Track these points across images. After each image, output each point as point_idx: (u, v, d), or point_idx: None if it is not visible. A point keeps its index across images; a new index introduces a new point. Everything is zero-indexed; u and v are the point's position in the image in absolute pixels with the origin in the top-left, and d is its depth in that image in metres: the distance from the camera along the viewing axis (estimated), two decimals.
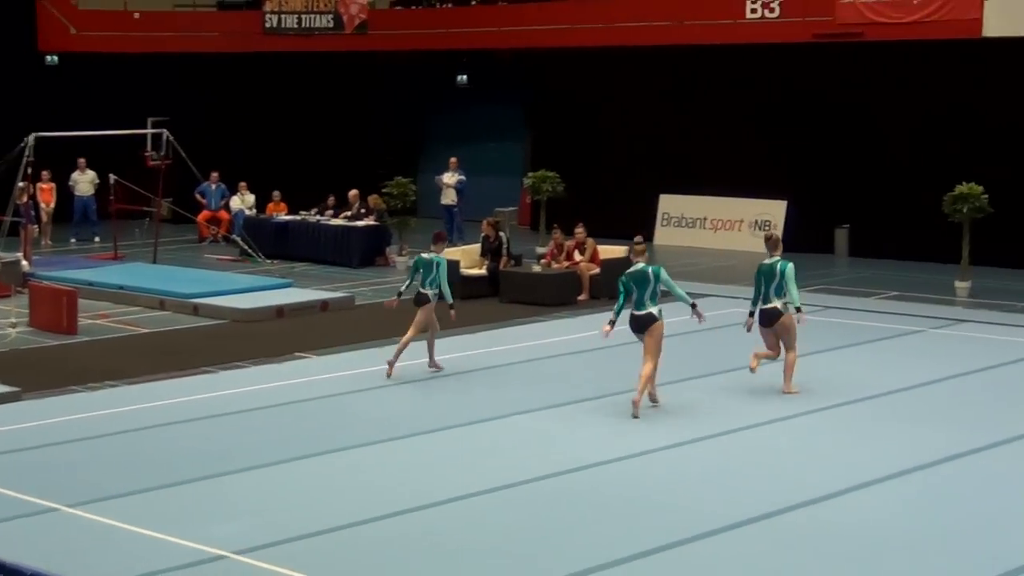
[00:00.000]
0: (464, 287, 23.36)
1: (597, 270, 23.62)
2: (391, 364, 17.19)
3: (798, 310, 16.18)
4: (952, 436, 14.28)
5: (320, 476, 13.02)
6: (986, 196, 23.40)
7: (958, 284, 23.84)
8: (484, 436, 14.53)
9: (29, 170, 25.69)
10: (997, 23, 26.06)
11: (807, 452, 13.88)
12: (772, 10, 28.86)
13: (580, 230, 24.13)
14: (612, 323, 15.63)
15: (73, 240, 32.05)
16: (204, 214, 31.92)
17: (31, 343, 19.71)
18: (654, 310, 15.47)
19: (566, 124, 33.45)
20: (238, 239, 29.23)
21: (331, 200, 29.63)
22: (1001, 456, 13.72)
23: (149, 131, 31.04)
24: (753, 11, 29.07)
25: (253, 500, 12.25)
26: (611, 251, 24.28)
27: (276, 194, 31.40)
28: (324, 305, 22.50)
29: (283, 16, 35.12)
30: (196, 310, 22.06)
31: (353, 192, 29.29)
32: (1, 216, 25.01)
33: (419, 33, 34.02)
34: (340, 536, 11.19)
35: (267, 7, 35.18)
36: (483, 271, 23.87)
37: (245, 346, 19.37)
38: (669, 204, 31.98)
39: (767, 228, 30.19)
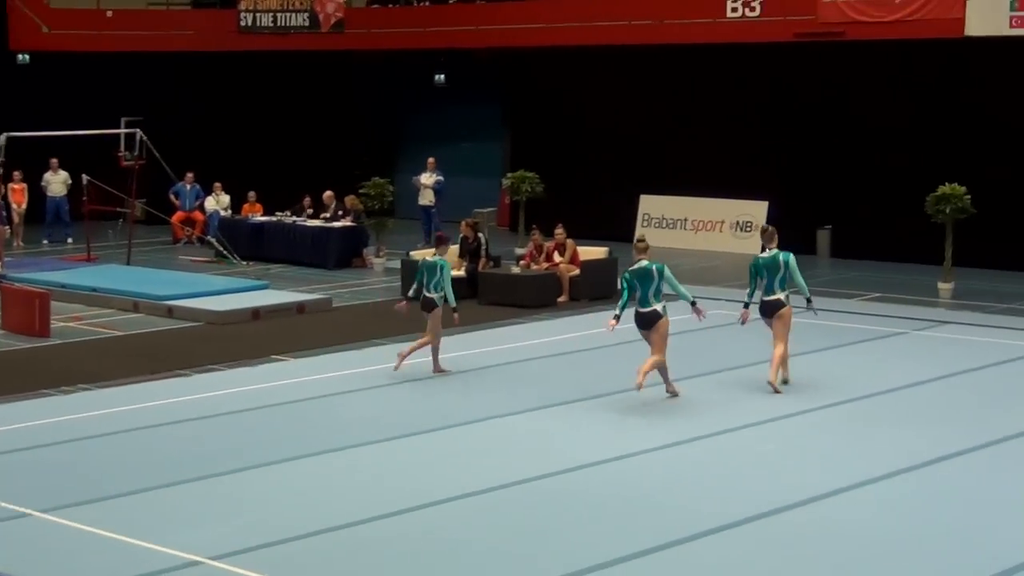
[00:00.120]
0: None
1: (577, 271, 23.60)
2: (401, 357, 17.36)
3: (809, 300, 16.71)
4: (936, 439, 14.30)
5: (297, 480, 12.97)
6: (969, 197, 23.45)
7: (941, 285, 23.89)
8: (466, 438, 14.49)
9: (0, 171, 25.58)
10: (979, 22, 26.10)
11: (792, 454, 13.88)
12: (753, 9, 28.87)
13: (560, 231, 24.11)
14: (617, 318, 15.85)
15: (45, 241, 31.93)
16: (178, 215, 31.84)
17: (2, 346, 19.61)
18: (659, 307, 15.76)
19: (545, 124, 33.45)
20: (213, 240, 29.16)
21: (306, 201, 29.58)
22: (985, 459, 13.75)
23: (122, 131, 30.98)
24: (734, 10, 29.07)
25: (229, 504, 12.19)
26: (591, 252, 24.28)
27: (252, 195, 31.34)
28: (301, 307, 22.44)
29: (258, 15, 35.04)
30: (170, 312, 21.98)
31: (328, 194, 29.24)
32: None
33: (396, 32, 33.97)
34: (318, 540, 11.14)
35: (242, 5, 35.09)
36: (462, 273, 23.79)
37: (220, 349, 19.31)
38: (650, 205, 31.99)
39: (749, 229, 30.26)
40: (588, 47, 31.16)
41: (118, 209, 30.73)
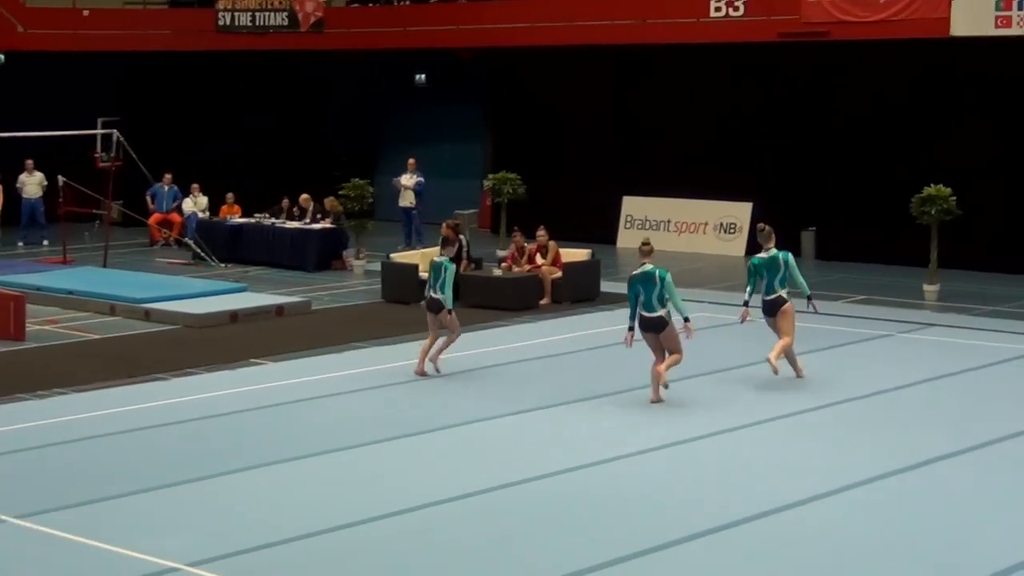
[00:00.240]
0: (423, 291, 23.27)
1: (559, 274, 23.61)
2: (432, 362, 17.64)
3: (809, 298, 17.24)
4: (921, 442, 14.33)
5: (277, 484, 12.95)
6: (954, 198, 23.48)
7: (926, 287, 23.93)
8: (450, 442, 14.48)
9: None
10: (965, 22, 26.19)
11: (777, 458, 13.89)
12: (737, 8, 28.93)
13: (542, 233, 24.11)
14: (631, 329, 16.11)
15: (21, 243, 31.83)
16: (155, 217, 31.76)
17: None
18: (663, 312, 15.92)
19: (527, 124, 33.46)
20: (191, 242, 29.11)
21: (284, 202, 29.56)
22: (969, 462, 13.77)
23: (99, 131, 30.99)
24: (717, 9, 29.13)
25: (208, 510, 12.17)
26: (573, 254, 24.29)
27: (230, 196, 31.28)
28: (279, 310, 22.42)
29: (236, 14, 35.01)
30: (148, 315, 21.93)
31: (304, 196, 29.23)
32: None
33: (376, 31, 33.97)
34: (297, 546, 11.12)
35: (220, 4, 35.06)
36: None
37: (198, 352, 19.27)
38: (632, 206, 32.02)
39: (733, 231, 30.32)
40: (570, 47, 31.19)
41: (94, 211, 30.68)
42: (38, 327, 20.99)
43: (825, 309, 18.48)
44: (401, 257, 24.71)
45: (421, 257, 24.26)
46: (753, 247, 28.95)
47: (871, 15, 27.30)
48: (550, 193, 30.92)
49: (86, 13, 35.47)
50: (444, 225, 24.41)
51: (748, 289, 17.28)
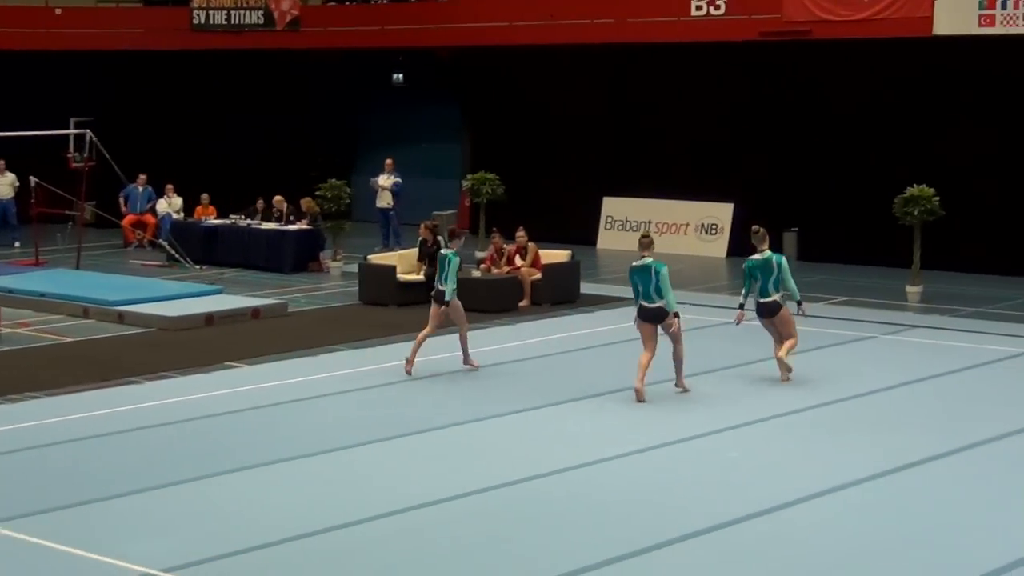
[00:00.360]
0: (401, 293, 23.35)
1: (539, 275, 23.60)
2: (468, 361, 18.08)
3: (799, 303, 17.47)
4: (904, 445, 14.36)
5: (252, 489, 12.92)
6: (937, 198, 23.54)
7: (909, 289, 23.99)
8: (431, 444, 14.47)
9: None
10: (948, 21, 26.25)
11: (758, 461, 13.91)
12: (717, 7, 28.97)
13: (521, 234, 24.12)
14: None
15: None
16: (129, 218, 31.67)
17: None
18: (661, 303, 16.34)
19: (506, 124, 33.46)
20: (165, 244, 29.04)
21: (259, 203, 29.52)
22: (956, 464, 13.82)
23: (72, 131, 30.87)
24: (698, 8, 29.16)
25: (181, 515, 12.12)
26: (553, 256, 24.29)
27: (205, 197, 31.24)
28: (255, 312, 22.37)
29: (211, 12, 34.94)
30: (121, 318, 21.87)
31: (278, 198, 29.20)
32: None
33: (353, 30, 33.94)
34: (274, 552, 11.10)
35: (194, 3, 34.99)
36: (420, 276, 23.78)
37: (173, 355, 19.22)
38: (613, 207, 32.05)
39: (714, 232, 30.36)
40: (550, 46, 31.19)
41: (67, 212, 30.58)
42: (10, 330, 20.90)
43: (807, 311, 18.50)
44: (379, 259, 24.67)
45: (399, 259, 24.29)
46: (735, 248, 29.18)
47: (853, 14, 27.35)
48: (529, 194, 30.94)
49: (58, 11, 35.38)
50: (422, 226, 24.53)
51: (743, 291, 17.63)
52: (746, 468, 13.66)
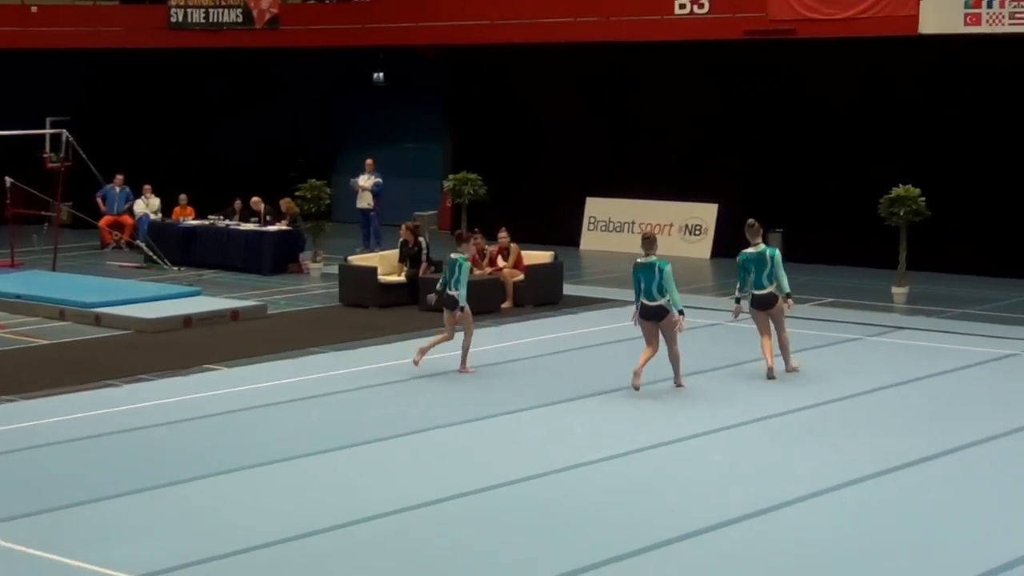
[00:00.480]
0: (382, 295, 23.35)
1: (521, 276, 23.61)
2: (464, 368, 18.12)
3: (788, 296, 17.79)
4: (890, 447, 14.39)
5: (233, 493, 12.92)
6: (923, 199, 23.59)
7: (895, 290, 24.05)
8: (410, 448, 14.47)
9: None
10: (933, 20, 26.29)
11: (748, 463, 13.93)
12: (701, 6, 28.98)
13: (503, 235, 24.13)
14: (639, 309, 17.08)
15: None
16: (106, 219, 31.62)
17: None
18: (663, 302, 16.70)
19: (488, 124, 33.47)
20: (142, 245, 28.99)
21: (237, 204, 29.50)
22: (944, 466, 13.87)
23: (48, 131, 30.77)
24: (682, 6, 29.17)
25: (162, 519, 12.09)
26: (536, 257, 24.30)
27: (183, 197, 31.18)
28: (234, 314, 22.34)
29: (189, 10, 34.87)
30: (98, 320, 21.83)
31: (255, 199, 29.17)
32: None
33: (333, 28, 33.90)
34: (257, 556, 11.08)
35: (172, 1, 34.91)
36: (402, 278, 23.79)
37: (151, 358, 19.18)
38: (596, 207, 32.06)
39: (698, 232, 30.39)
40: (533, 44, 31.20)
41: (43, 213, 30.50)
42: None
43: (793, 312, 18.58)
44: (359, 260, 24.67)
45: (380, 260, 24.27)
46: (719, 249, 29.23)
47: (838, 12, 27.39)
48: (512, 194, 30.93)
49: (34, 9, 35.26)
50: (403, 227, 24.55)
51: (738, 285, 17.99)
52: (736, 469, 13.71)
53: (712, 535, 11.61)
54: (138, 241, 29.75)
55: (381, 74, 35.30)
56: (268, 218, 28.57)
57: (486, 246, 24.09)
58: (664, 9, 29.37)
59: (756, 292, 17.73)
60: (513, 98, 32.98)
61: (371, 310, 22.99)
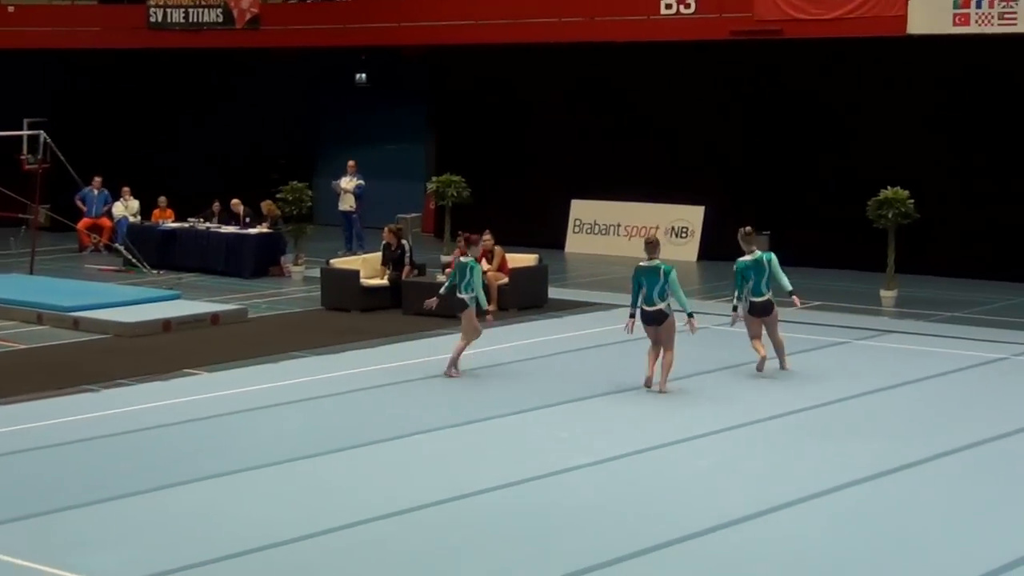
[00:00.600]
0: (365, 298, 23.33)
1: (506, 280, 23.58)
2: (451, 371, 18.02)
3: (792, 294, 18.11)
4: (879, 451, 14.41)
5: (212, 500, 12.88)
6: (912, 201, 23.61)
7: (883, 293, 24.08)
8: (392, 453, 14.46)
9: None
10: (922, 20, 26.36)
11: (733, 469, 13.94)
12: (687, 5, 29.02)
13: (488, 237, 24.02)
14: (632, 316, 17.16)
15: None
16: (85, 221, 31.58)
17: None
18: (663, 306, 16.87)
19: (472, 125, 33.45)
20: (121, 248, 28.95)
21: (216, 206, 29.46)
22: (933, 470, 13.88)
23: (25, 132, 30.70)
24: (668, 6, 29.21)
25: (140, 526, 12.06)
26: (520, 260, 24.28)
27: (162, 200, 31.12)
28: (215, 318, 22.31)
29: (168, 10, 34.83)
30: (76, 324, 21.78)
31: (235, 201, 29.15)
32: None
33: (315, 28, 33.89)
34: (235, 564, 11.06)
35: (151, 1, 34.87)
36: (384, 281, 23.77)
37: (130, 362, 19.14)
38: (581, 210, 32.06)
39: (685, 235, 30.40)
40: (517, 45, 31.21)
41: (20, 215, 30.45)
42: None
43: (781, 316, 18.62)
44: (341, 263, 24.67)
45: (362, 263, 24.25)
46: (706, 252, 29.26)
47: (826, 13, 27.44)
48: (496, 196, 30.93)
49: (11, 9, 35.26)
50: (386, 229, 24.54)
51: (736, 293, 18.14)
52: (729, 473, 13.74)
53: (708, 538, 11.62)
54: (117, 244, 29.72)
55: (363, 75, 35.28)
56: (248, 220, 28.54)
57: (493, 247, 23.84)
58: (650, 9, 29.41)
59: (754, 299, 17.91)
60: (497, 99, 32.97)
61: (353, 314, 22.97)
